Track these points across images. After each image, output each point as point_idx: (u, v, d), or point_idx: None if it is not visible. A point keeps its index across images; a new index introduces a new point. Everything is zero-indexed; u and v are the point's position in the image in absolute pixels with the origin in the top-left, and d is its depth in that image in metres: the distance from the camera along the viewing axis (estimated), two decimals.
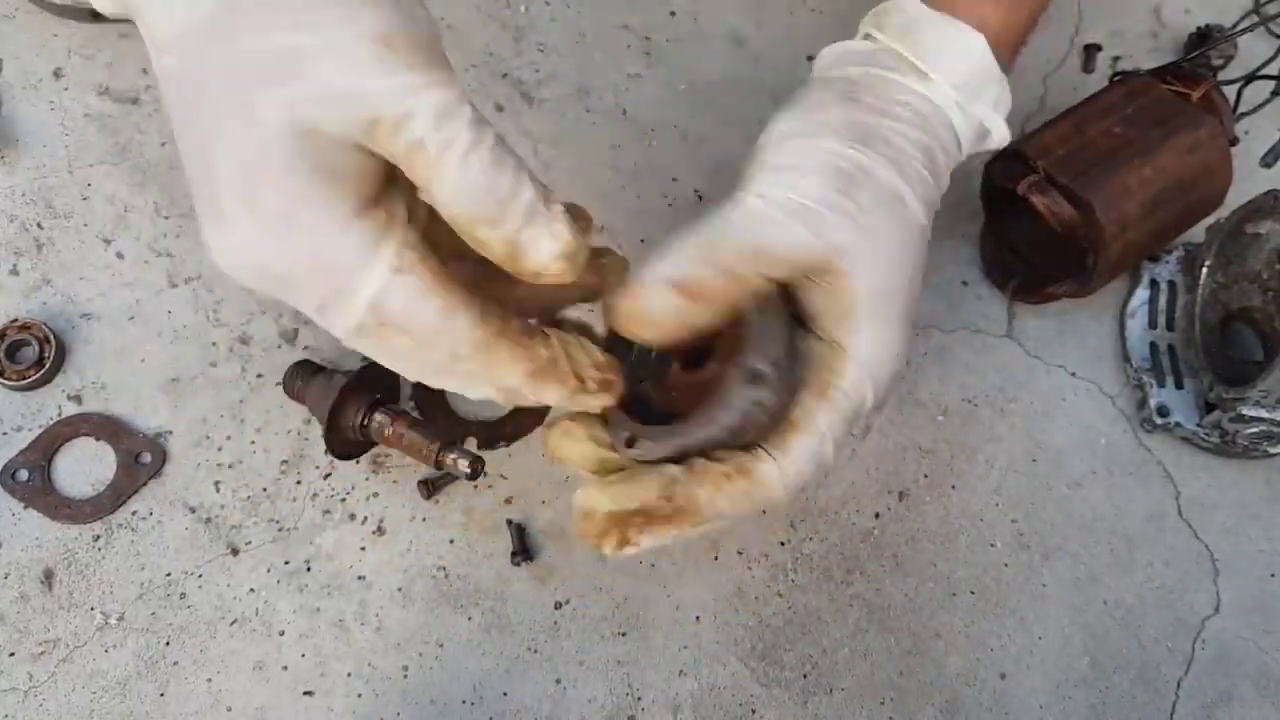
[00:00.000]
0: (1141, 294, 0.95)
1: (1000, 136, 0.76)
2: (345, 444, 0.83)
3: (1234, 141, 0.92)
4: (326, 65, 0.53)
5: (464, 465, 0.79)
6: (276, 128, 0.53)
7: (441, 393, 0.88)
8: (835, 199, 0.65)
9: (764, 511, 0.72)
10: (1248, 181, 0.93)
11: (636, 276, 0.65)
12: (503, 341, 0.59)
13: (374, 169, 0.56)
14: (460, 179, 0.55)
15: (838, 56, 0.75)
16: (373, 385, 0.83)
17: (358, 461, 0.86)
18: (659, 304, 0.63)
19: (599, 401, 0.64)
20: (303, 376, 0.84)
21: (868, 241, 0.66)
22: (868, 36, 0.75)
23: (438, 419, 0.87)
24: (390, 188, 0.58)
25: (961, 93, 0.71)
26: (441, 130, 0.54)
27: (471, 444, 0.86)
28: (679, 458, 0.66)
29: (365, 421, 0.81)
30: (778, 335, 0.67)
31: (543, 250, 0.57)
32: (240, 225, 0.55)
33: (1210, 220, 0.93)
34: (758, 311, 0.67)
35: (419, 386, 0.88)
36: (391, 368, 0.60)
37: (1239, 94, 0.93)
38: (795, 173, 0.66)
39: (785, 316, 0.68)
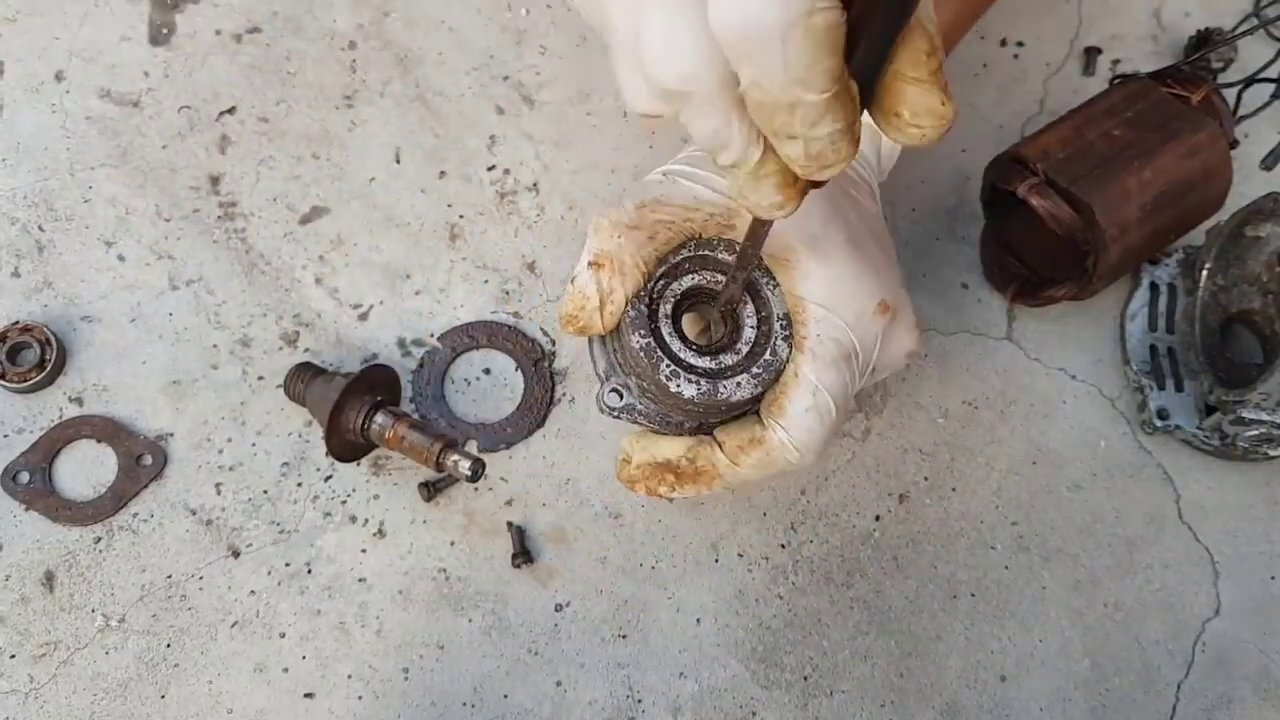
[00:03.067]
0: (1141, 296, 0.95)
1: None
2: (346, 446, 0.83)
3: (1234, 144, 0.92)
4: None
5: (465, 467, 0.79)
6: None
7: (442, 394, 0.88)
8: None
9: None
10: (1247, 184, 0.93)
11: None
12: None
13: None
14: None
15: None
16: (373, 387, 0.83)
17: (358, 464, 0.86)
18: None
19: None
20: (303, 379, 0.84)
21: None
22: None
23: (439, 420, 0.87)
24: None
25: None
26: None
27: (473, 446, 0.87)
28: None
29: (366, 424, 0.81)
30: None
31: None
32: None
33: (1210, 223, 0.93)
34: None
35: (419, 392, 0.88)
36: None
37: (1238, 97, 0.93)
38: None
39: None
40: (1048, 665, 0.84)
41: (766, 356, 0.72)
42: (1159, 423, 0.90)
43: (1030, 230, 0.91)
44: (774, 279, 0.74)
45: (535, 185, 0.96)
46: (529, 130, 0.98)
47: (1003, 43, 1.05)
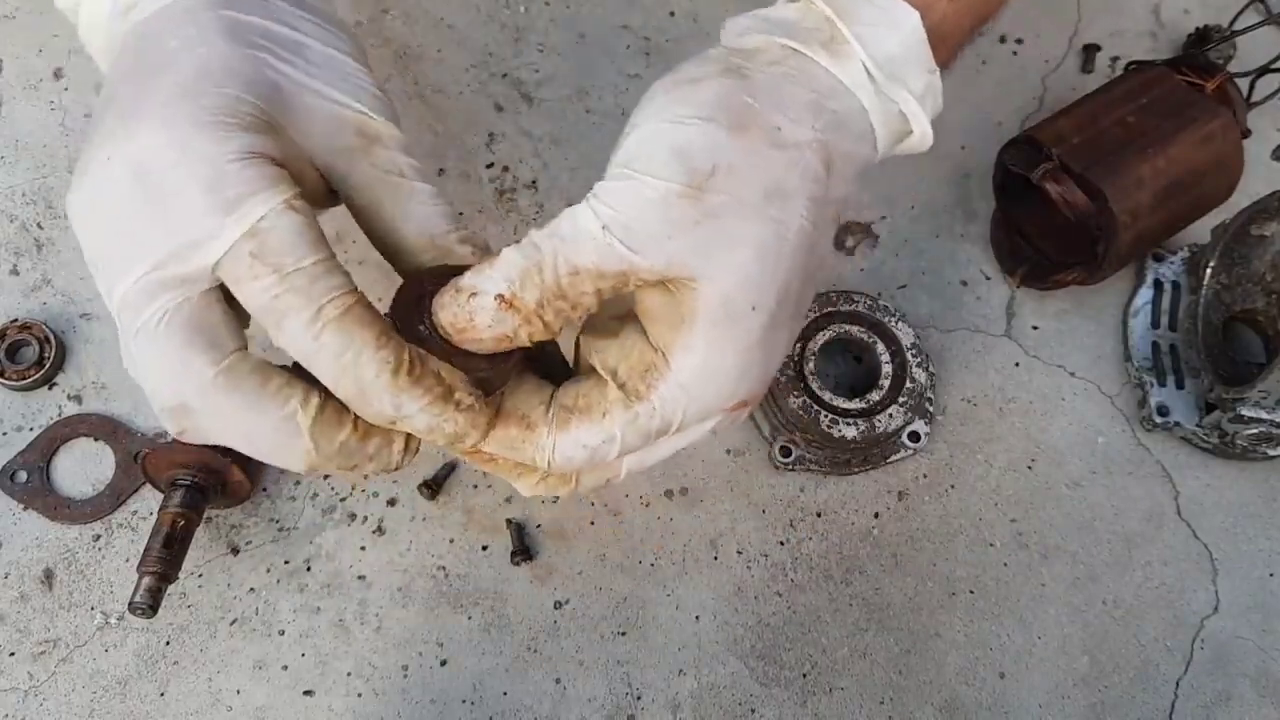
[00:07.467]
0: (1145, 294, 0.95)
1: (921, 135, 0.64)
2: None
3: (1246, 134, 0.91)
4: None
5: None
6: None
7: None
8: (678, 207, 0.57)
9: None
10: (1253, 176, 0.93)
11: (461, 280, 0.59)
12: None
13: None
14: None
15: (749, 23, 0.64)
16: None
17: None
18: (484, 319, 0.58)
19: (467, 429, 0.59)
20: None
21: (711, 258, 0.57)
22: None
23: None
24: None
25: (882, 71, 0.61)
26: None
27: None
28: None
29: None
30: None
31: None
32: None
33: (1216, 220, 0.93)
34: None
35: None
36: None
37: (1251, 86, 0.93)
38: (638, 174, 0.58)
39: None
40: (1047, 662, 0.85)
41: (908, 384, 0.85)
42: (1158, 419, 0.90)
43: (1041, 214, 0.90)
44: (894, 316, 0.86)
45: (534, 183, 0.96)
46: (528, 127, 0.97)
47: (1002, 39, 1.05)
